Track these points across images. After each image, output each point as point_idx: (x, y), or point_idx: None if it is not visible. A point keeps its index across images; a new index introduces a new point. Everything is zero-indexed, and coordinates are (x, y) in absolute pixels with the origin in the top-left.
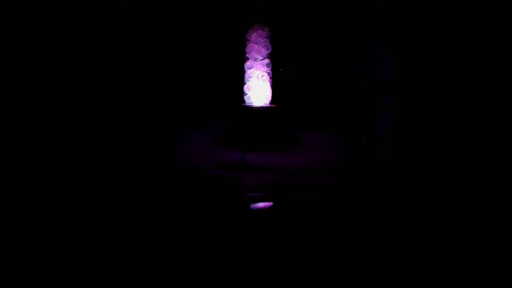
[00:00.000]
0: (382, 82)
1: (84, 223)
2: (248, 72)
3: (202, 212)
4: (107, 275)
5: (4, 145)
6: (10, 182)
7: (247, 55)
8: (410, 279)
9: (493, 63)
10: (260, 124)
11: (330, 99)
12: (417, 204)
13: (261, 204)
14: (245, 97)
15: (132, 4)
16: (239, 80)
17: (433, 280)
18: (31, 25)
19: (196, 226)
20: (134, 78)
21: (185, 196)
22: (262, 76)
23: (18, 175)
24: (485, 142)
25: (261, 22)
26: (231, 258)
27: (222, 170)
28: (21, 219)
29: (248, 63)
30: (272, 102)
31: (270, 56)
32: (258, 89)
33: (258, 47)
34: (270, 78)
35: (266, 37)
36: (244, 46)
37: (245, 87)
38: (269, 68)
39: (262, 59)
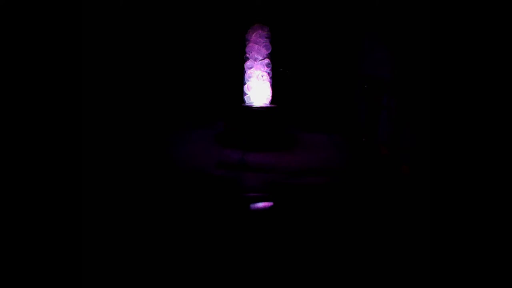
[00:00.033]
0: (382, 82)
1: (84, 223)
2: (248, 72)
3: (202, 212)
4: (107, 275)
5: (4, 145)
6: (10, 182)
7: (247, 55)
8: (410, 279)
9: (493, 63)
10: (260, 124)
11: (330, 99)
12: (417, 204)
13: (261, 204)
14: (245, 97)
15: (132, 4)
16: (239, 80)
17: (433, 280)
18: (31, 25)
19: (196, 226)
20: (134, 78)
21: (185, 196)
22: (262, 76)
23: (18, 175)
24: (485, 141)
25: (261, 22)
26: (231, 258)
27: (222, 170)
28: (21, 219)
29: (248, 63)
30: (272, 102)
31: (270, 56)
32: (258, 89)
33: (258, 47)
34: (270, 78)
35: (266, 37)
36: (244, 46)
37: (245, 87)
38: (269, 68)
39: (262, 59)
